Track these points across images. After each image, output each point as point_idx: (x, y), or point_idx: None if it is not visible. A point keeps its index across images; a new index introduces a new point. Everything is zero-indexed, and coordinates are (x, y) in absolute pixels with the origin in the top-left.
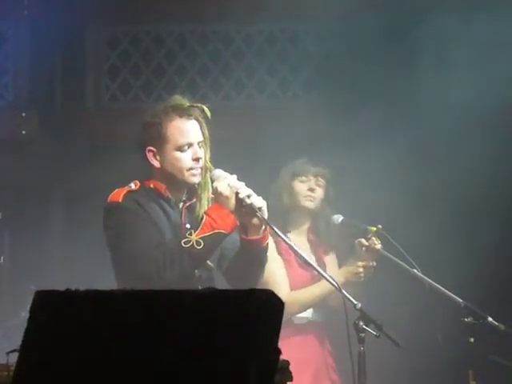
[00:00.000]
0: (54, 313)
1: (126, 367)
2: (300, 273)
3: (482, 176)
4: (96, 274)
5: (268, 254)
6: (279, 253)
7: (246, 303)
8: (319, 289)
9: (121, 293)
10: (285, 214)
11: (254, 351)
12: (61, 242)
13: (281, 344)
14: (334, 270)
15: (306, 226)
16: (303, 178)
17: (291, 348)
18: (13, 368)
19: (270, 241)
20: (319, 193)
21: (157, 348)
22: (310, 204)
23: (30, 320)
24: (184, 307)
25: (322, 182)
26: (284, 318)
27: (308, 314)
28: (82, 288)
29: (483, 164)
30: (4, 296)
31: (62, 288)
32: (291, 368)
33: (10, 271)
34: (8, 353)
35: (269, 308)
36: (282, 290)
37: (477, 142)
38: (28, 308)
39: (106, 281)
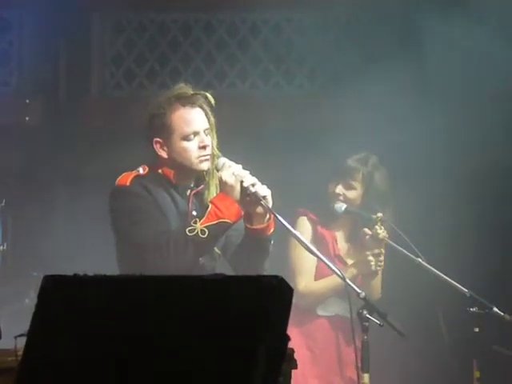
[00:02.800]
0: (63, 297)
1: (135, 352)
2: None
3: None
4: (99, 259)
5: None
6: (315, 242)
7: (255, 289)
8: (333, 281)
9: (130, 278)
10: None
11: (264, 336)
12: (63, 228)
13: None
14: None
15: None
16: (332, 180)
17: (311, 337)
18: (20, 353)
19: (309, 227)
20: (349, 196)
21: (168, 333)
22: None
23: (38, 304)
24: (194, 292)
25: (353, 184)
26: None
27: (335, 306)
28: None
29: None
30: (7, 282)
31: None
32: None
33: (12, 258)
34: (16, 337)
35: (278, 294)
36: (303, 280)
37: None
38: (31, 294)
39: (110, 266)
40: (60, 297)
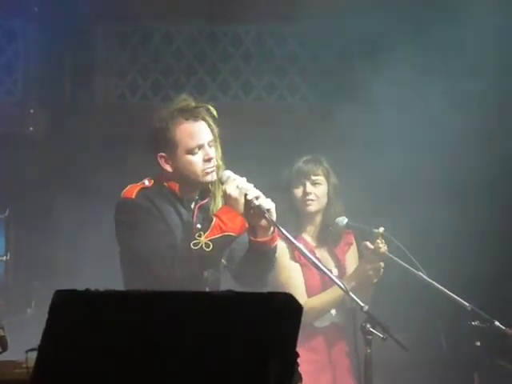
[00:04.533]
0: (74, 312)
1: (147, 367)
2: (318, 277)
3: (488, 177)
4: (102, 270)
5: (283, 258)
6: (296, 258)
7: (266, 306)
8: (333, 294)
9: (141, 293)
10: (296, 219)
11: (275, 353)
12: (66, 239)
13: (303, 346)
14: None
15: (315, 229)
16: (298, 184)
17: (312, 350)
18: (31, 365)
19: (284, 246)
20: (317, 192)
21: (179, 349)
22: (310, 208)
23: (50, 319)
24: (206, 309)
25: (318, 179)
26: (302, 324)
27: (330, 315)
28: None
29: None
30: (10, 292)
31: (66, 285)
32: (312, 370)
33: (15, 268)
34: (28, 351)
35: (288, 311)
36: (299, 296)
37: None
38: (33, 304)
39: (113, 278)
40: (72, 311)
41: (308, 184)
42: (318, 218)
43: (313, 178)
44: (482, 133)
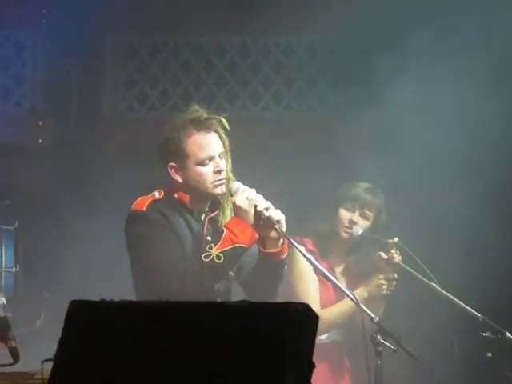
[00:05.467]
0: (89, 322)
1: (160, 377)
2: (332, 293)
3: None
4: (112, 281)
5: (305, 269)
6: (315, 271)
7: (283, 316)
8: (344, 306)
9: (156, 304)
10: (327, 240)
11: (291, 362)
12: (76, 250)
13: None
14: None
15: (343, 253)
16: (349, 206)
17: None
18: (46, 376)
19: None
20: (361, 225)
21: (194, 360)
22: (345, 235)
23: (65, 329)
24: (222, 319)
25: (369, 213)
26: None
27: (331, 333)
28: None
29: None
30: (19, 304)
31: (76, 296)
32: None
33: (24, 279)
34: (43, 361)
35: (305, 321)
36: (313, 307)
37: None
38: (43, 316)
39: (123, 289)
40: (86, 321)
41: (357, 214)
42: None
43: (366, 211)
44: None
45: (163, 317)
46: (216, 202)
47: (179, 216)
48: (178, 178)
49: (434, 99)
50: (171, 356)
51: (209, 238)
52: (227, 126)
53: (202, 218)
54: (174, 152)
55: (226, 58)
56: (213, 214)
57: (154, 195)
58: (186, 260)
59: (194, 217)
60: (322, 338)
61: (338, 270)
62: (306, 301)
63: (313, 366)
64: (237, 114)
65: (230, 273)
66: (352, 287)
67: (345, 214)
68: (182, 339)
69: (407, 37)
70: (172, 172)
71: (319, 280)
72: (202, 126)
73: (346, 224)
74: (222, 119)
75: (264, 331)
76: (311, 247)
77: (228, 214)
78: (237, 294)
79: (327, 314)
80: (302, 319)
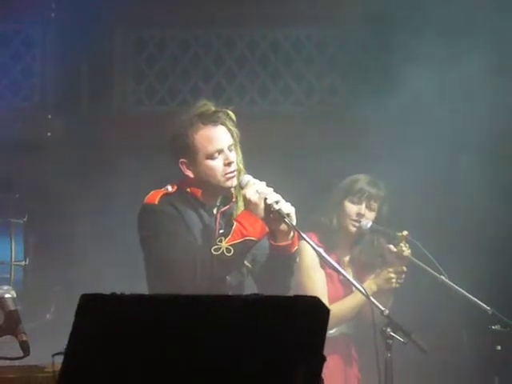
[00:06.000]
0: (100, 316)
1: (174, 371)
2: (339, 288)
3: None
4: (123, 275)
5: (311, 264)
6: (322, 266)
7: (294, 308)
8: (354, 300)
9: (167, 297)
10: (333, 233)
11: (302, 357)
12: (86, 244)
13: None
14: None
15: (349, 245)
16: (355, 199)
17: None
18: (57, 369)
19: (314, 253)
20: (368, 217)
21: (206, 353)
22: (353, 229)
23: (76, 323)
24: (234, 312)
25: (374, 205)
26: None
27: (340, 325)
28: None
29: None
30: (29, 297)
31: (85, 290)
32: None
33: (34, 273)
34: (54, 355)
35: (316, 313)
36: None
37: None
38: (52, 309)
39: (134, 282)
40: (97, 315)
41: (363, 206)
42: (353, 237)
43: (372, 202)
44: None
45: (174, 310)
46: (228, 196)
47: (191, 210)
48: (190, 174)
49: (446, 89)
50: (181, 349)
51: (221, 231)
52: (234, 118)
53: (215, 212)
54: (183, 148)
55: (236, 52)
56: (225, 208)
57: (167, 189)
58: (198, 253)
59: (206, 210)
60: (331, 331)
61: (344, 262)
62: (315, 294)
63: (324, 359)
64: (246, 107)
65: (248, 264)
66: (357, 278)
67: (351, 207)
68: (193, 332)
69: (416, 29)
70: (183, 168)
71: (326, 274)
72: (209, 119)
73: (354, 217)
74: (229, 112)
75: (275, 324)
76: (317, 242)
77: (241, 207)
78: (250, 288)
79: (338, 307)
80: (314, 312)
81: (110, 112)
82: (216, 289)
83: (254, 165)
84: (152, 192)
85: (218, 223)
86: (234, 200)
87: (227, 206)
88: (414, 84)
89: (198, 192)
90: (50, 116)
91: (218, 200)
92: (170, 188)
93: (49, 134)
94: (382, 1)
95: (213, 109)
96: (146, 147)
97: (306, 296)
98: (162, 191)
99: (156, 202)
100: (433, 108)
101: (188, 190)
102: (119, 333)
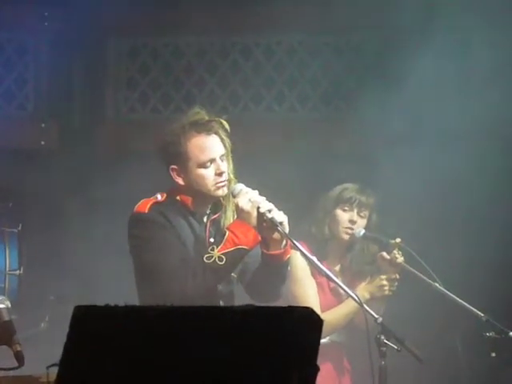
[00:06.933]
0: (94, 328)
1: (167, 380)
2: (330, 298)
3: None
4: (115, 284)
5: (302, 274)
6: (313, 275)
7: (287, 320)
8: (347, 308)
9: (161, 308)
10: (324, 243)
11: (296, 366)
12: (79, 252)
13: None
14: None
15: (340, 254)
16: (346, 207)
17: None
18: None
19: (305, 263)
20: (360, 224)
21: (201, 364)
22: (346, 236)
23: (70, 334)
24: (226, 323)
25: (365, 213)
26: None
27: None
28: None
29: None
30: (23, 306)
31: (80, 300)
32: None
33: (28, 282)
34: (48, 367)
35: (310, 324)
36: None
37: None
38: (47, 318)
39: (126, 291)
40: (91, 326)
41: (355, 213)
42: (345, 245)
43: (363, 210)
44: None
45: (168, 322)
46: (218, 204)
47: (181, 218)
48: (180, 181)
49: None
50: (175, 361)
51: (211, 240)
52: (228, 127)
53: (205, 220)
54: (175, 155)
55: (229, 59)
56: (215, 216)
57: (157, 197)
58: (188, 262)
59: (196, 219)
60: (322, 340)
61: (335, 272)
62: (306, 304)
63: (317, 369)
64: (239, 115)
65: (233, 274)
66: (348, 286)
67: (343, 215)
68: (187, 344)
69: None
70: (174, 175)
71: (317, 284)
72: (202, 128)
73: (347, 225)
74: (223, 121)
75: (268, 335)
76: (308, 251)
77: (230, 216)
78: (239, 296)
79: (331, 316)
80: (307, 323)
81: (103, 120)
82: (207, 297)
83: (246, 171)
84: (141, 201)
85: (208, 231)
86: (222, 209)
87: (217, 214)
88: (411, 89)
89: (188, 200)
90: (43, 125)
91: (208, 208)
92: (159, 196)
93: (42, 142)
94: (379, 7)
95: (206, 118)
96: (139, 155)
97: (300, 307)
98: (151, 200)
99: (146, 211)
100: (431, 112)
101: (178, 197)
102: (113, 344)
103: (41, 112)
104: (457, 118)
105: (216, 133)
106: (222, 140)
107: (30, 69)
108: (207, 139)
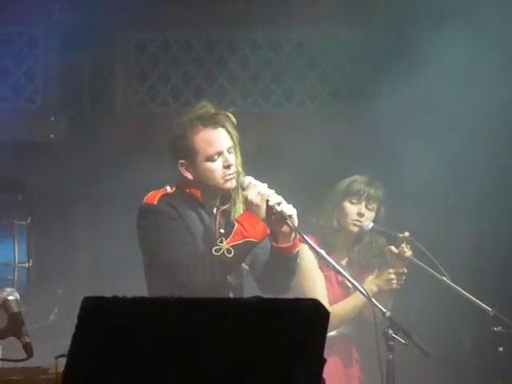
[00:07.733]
0: (102, 318)
1: (174, 372)
2: (338, 291)
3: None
4: (125, 276)
5: (311, 267)
6: (321, 268)
7: (295, 312)
8: (355, 301)
9: (169, 300)
10: (333, 235)
11: (303, 359)
12: (89, 245)
13: None
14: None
15: (348, 247)
16: (354, 200)
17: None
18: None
19: (313, 256)
20: (368, 217)
21: (207, 356)
22: (355, 229)
23: (79, 325)
24: (234, 315)
25: (373, 205)
26: None
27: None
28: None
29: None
30: (32, 299)
31: (88, 292)
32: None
33: (37, 275)
34: (57, 357)
35: (317, 316)
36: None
37: None
38: (56, 311)
39: (136, 284)
40: (100, 317)
41: (363, 205)
42: (353, 238)
43: (371, 202)
44: None
45: (175, 313)
46: (227, 196)
47: (191, 209)
48: (188, 175)
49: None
50: (183, 351)
51: (221, 231)
52: (234, 120)
53: (214, 212)
54: (183, 149)
55: (238, 53)
56: (225, 207)
57: (166, 189)
58: (197, 253)
59: (205, 210)
60: (330, 332)
61: (342, 265)
62: (314, 297)
63: (324, 361)
64: (249, 109)
65: (245, 267)
66: (355, 279)
67: (351, 208)
68: (194, 335)
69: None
70: (182, 169)
71: (325, 277)
72: (209, 121)
73: (355, 217)
74: (229, 114)
75: (275, 327)
76: (316, 244)
77: (239, 208)
78: (250, 289)
79: (339, 308)
80: (314, 315)
81: (112, 113)
82: (216, 289)
83: (256, 165)
84: (151, 192)
85: (217, 222)
86: (231, 201)
87: (227, 205)
88: (416, 85)
89: (197, 193)
90: (52, 118)
91: (218, 200)
92: (169, 188)
93: (52, 135)
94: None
95: (213, 111)
96: (148, 148)
97: (307, 299)
98: (161, 191)
99: (155, 202)
100: (437, 108)
101: (187, 190)
102: (121, 335)
103: (50, 105)
104: (469, 110)
105: (223, 126)
106: (228, 133)
107: (40, 62)
108: (214, 132)
